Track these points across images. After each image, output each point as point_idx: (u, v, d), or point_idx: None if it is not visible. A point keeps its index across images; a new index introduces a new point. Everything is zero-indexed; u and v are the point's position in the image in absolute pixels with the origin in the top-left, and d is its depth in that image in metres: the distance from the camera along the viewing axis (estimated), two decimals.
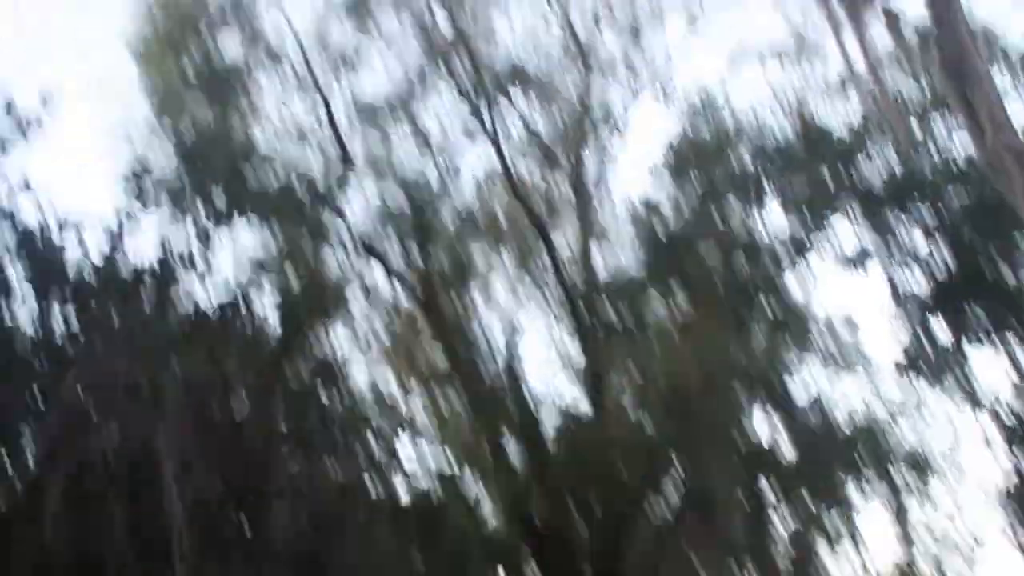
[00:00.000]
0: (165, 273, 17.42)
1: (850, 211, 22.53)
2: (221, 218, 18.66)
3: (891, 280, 22.72)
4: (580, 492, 21.05)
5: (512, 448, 22.05)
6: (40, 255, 15.28)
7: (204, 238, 18.17)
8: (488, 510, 22.41)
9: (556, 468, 21.45)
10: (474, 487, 22.05)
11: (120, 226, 17.37)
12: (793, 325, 22.35)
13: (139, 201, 18.52)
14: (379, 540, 17.17)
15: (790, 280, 23.32)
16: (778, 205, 22.73)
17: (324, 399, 21.86)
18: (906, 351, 23.69)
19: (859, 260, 22.57)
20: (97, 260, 16.45)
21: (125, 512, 12.76)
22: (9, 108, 15.98)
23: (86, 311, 15.72)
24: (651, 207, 23.29)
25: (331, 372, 19.15)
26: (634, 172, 27.31)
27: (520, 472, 21.74)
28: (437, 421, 22.41)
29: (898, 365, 24.09)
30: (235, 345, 18.11)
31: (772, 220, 22.76)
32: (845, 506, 22.37)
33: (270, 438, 17.17)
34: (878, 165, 22.65)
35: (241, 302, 18.51)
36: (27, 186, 16.05)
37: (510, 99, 23.65)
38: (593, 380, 21.56)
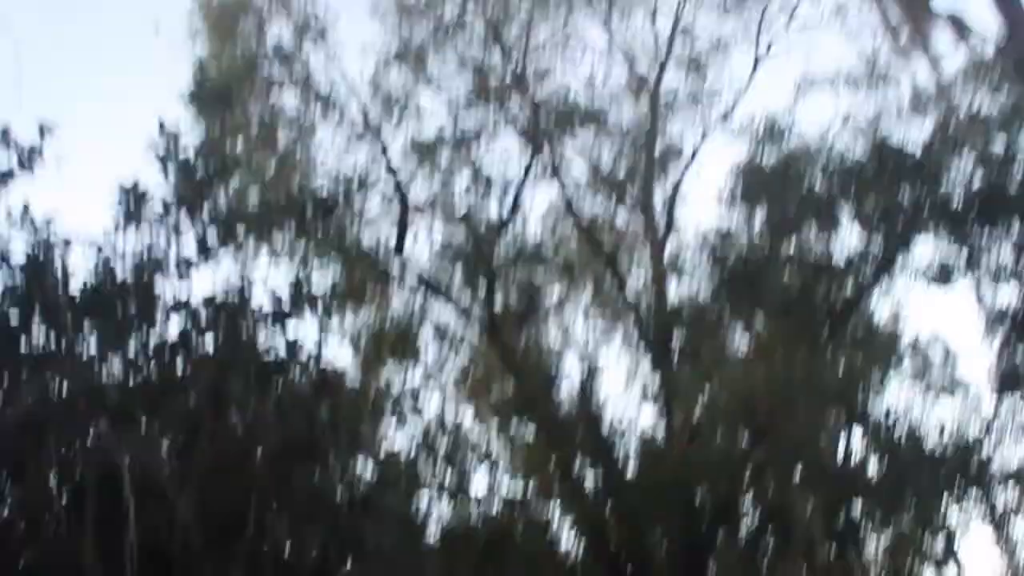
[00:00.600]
0: (239, 316, 17.02)
1: (933, 228, 21.68)
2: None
3: (980, 297, 21.78)
4: (658, 518, 20.34)
5: (587, 475, 21.63)
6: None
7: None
8: (563, 538, 21.88)
9: (632, 494, 20.80)
10: (547, 513, 21.51)
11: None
12: (878, 345, 21.41)
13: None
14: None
15: (873, 301, 22.57)
16: (855, 226, 21.93)
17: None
18: (999, 368, 22.73)
19: (945, 277, 21.64)
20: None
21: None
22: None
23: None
24: (723, 235, 22.62)
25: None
26: (704, 205, 26.92)
27: (595, 498, 21.19)
28: (510, 450, 22.01)
29: (992, 383, 23.16)
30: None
31: (850, 242, 22.03)
32: (942, 527, 21.25)
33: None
34: (959, 181, 21.81)
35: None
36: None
37: (572, 136, 23.44)
38: (669, 406, 20.88)
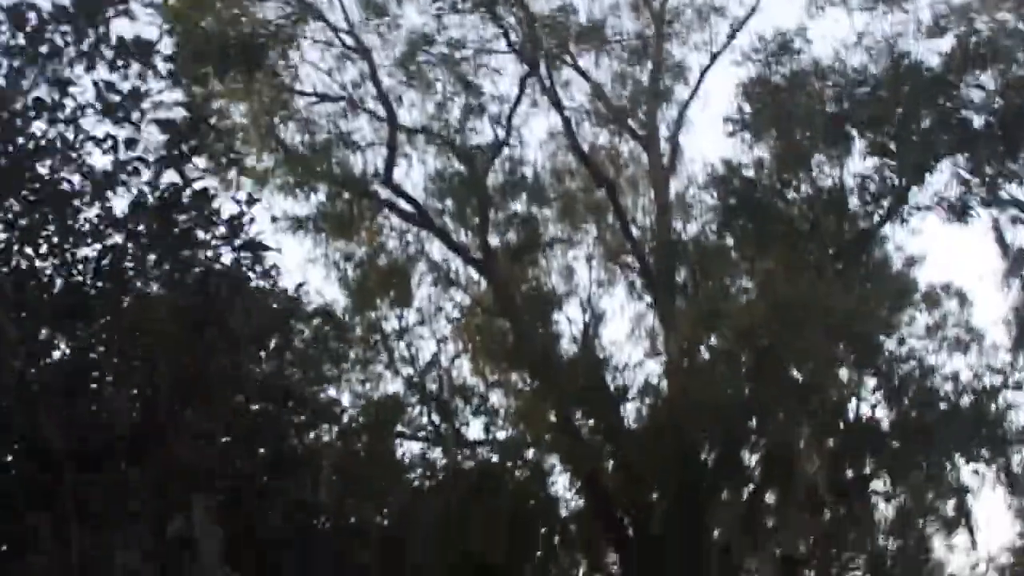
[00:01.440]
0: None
1: (951, 154, 20.40)
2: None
3: (1000, 237, 20.60)
4: (658, 468, 19.38)
5: (585, 424, 20.57)
6: None
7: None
8: (559, 486, 21.01)
9: (631, 443, 19.83)
10: (544, 461, 20.55)
11: None
12: (890, 282, 20.33)
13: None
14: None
15: (887, 236, 21.47)
16: (868, 152, 20.64)
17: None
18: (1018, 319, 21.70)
19: (962, 212, 20.47)
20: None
21: None
22: None
23: None
24: (729, 166, 21.39)
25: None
26: (711, 135, 25.64)
27: (593, 448, 20.21)
28: (506, 396, 21.07)
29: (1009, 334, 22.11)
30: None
31: (863, 170, 20.79)
32: (955, 487, 20.33)
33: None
34: (979, 104, 20.46)
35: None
36: None
37: (573, 58, 22.09)
38: (671, 348, 19.81)
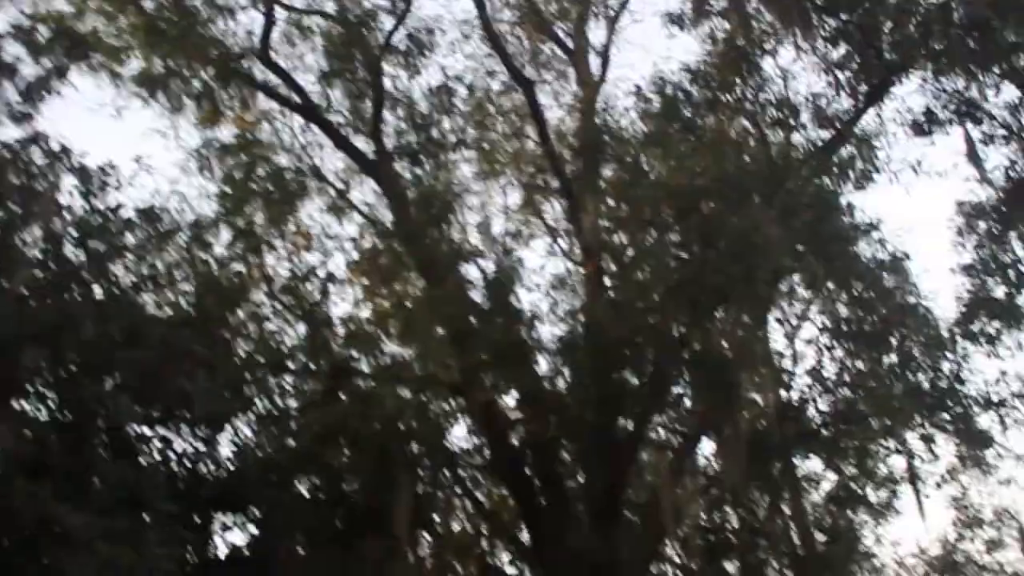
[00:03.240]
0: None
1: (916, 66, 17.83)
2: None
3: (972, 148, 18.01)
4: (574, 409, 16.46)
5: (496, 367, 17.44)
6: None
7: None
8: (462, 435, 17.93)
9: (546, 385, 16.93)
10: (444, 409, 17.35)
11: None
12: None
13: None
14: None
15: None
16: (820, 59, 17.93)
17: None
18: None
19: (928, 124, 17.88)
20: None
21: None
22: None
23: None
24: (661, 76, 18.51)
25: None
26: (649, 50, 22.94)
27: (503, 391, 17.16)
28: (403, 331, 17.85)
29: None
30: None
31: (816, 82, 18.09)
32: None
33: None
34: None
35: None
36: None
37: None
38: (588, 263, 16.84)
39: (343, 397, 15.55)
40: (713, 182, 14.23)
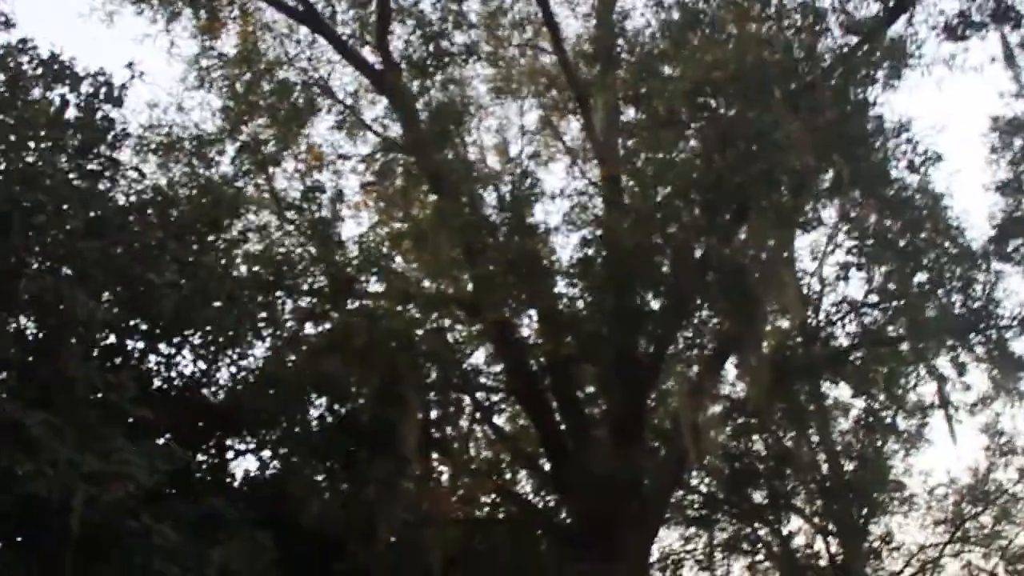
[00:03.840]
0: None
1: None
2: None
3: (1008, 52, 17.08)
4: (593, 328, 15.83)
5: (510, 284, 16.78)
6: None
7: None
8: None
9: (563, 305, 16.31)
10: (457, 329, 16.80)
11: None
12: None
13: None
14: None
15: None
16: None
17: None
18: None
19: (962, 27, 16.92)
20: None
21: None
22: None
23: None
24: None
25: None
26: None
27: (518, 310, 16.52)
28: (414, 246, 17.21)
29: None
30: None
31: None
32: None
33: None
34: None
35: None
36: None
37: None
38: (603, 171, 16.11)
39: (349, 312, 14.89)
40: (731, 78, 13.37)
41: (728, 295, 14.89)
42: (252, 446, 14.67)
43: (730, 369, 18.53)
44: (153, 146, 16.10)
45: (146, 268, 10.60)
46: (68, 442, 8.15)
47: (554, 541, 18.07)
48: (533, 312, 16.41)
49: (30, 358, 9.43)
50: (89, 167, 11.89)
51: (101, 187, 11.31)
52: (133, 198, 13.07)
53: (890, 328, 19.75)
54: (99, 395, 9.07)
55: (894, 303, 19.26)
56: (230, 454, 14.64)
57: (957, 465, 29.50)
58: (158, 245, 10.76)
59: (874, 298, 19.59)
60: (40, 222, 9.47)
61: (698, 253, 14.85)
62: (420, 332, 14.38)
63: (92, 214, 10.26)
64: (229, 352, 13.75)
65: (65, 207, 9.75)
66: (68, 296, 8.90)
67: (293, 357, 14.05)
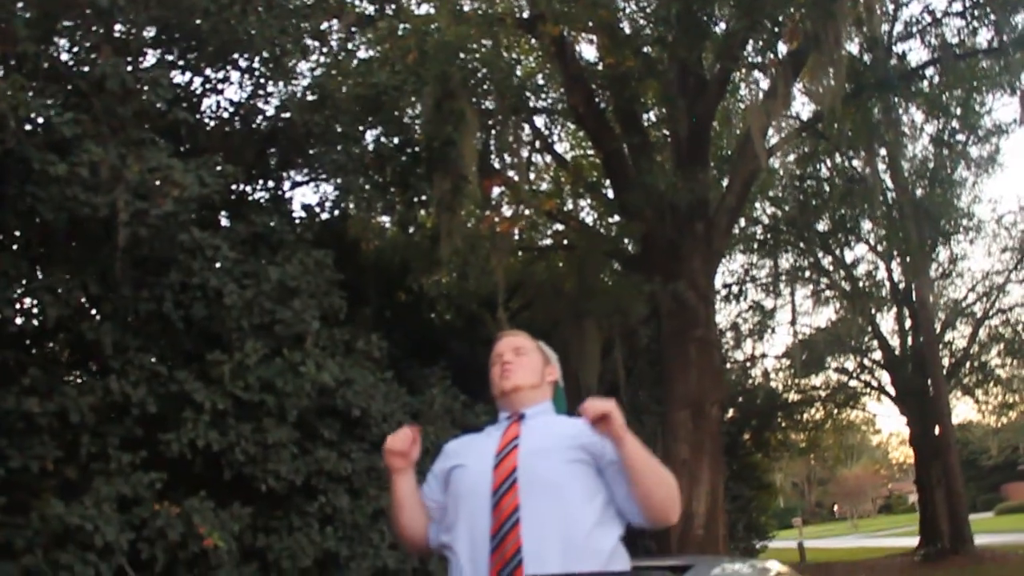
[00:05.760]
0: None
1: None
2: None
3: None
4: (655, 40, 14.88)
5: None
6: None
7: None
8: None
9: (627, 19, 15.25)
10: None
11: None
12: None
13: None
14: None
15: None
16: None
17: None
18: None
19: None
20: None
21: None
22: None
23: None
24: None
25: None
26: None
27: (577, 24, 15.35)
28: None
29: None
30: None
31: None
32: None
33: None
34: None
35: None
36: None
37: None
38: None
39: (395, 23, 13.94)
40: None
41: None
42: (309, 178, 14.22)
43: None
44: None
45: None
46: (107, 149, 7.62)
47: (618, 266, 17.80)
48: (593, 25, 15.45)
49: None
50: None
51: None
52: None
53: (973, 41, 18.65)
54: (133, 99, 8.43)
55: (977, 12, 18.07)
56: (287, 185, 14.22)
57: None
58: None
59: (958, 7, 18.36)
60: None
61: None
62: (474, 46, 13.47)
63: None
64: (278, 75, 13.04)
65: None
66: None
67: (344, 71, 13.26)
